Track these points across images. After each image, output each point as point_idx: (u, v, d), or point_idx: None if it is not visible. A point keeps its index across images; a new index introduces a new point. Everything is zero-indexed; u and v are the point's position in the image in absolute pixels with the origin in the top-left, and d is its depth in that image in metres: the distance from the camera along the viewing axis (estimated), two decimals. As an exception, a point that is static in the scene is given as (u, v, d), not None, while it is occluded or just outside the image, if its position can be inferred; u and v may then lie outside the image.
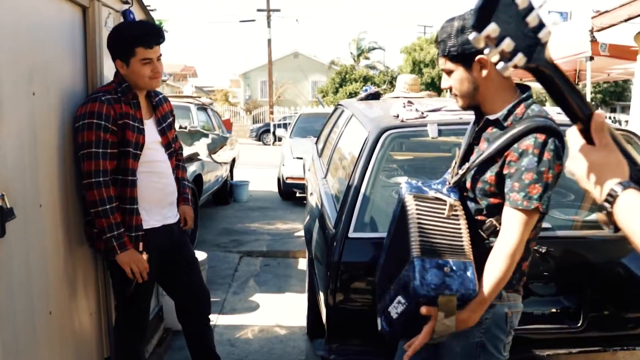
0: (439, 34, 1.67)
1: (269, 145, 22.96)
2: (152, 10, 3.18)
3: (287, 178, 8.30)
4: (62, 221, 2.29)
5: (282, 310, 4.24)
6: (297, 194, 8.62)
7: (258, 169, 12.46)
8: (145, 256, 2.39)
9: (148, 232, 2.45)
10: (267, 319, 4.07)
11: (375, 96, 4.20)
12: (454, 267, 1.53)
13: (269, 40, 28.23)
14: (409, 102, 2.88)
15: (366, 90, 4.31)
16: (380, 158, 2.55)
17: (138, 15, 2.92)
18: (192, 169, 5.63)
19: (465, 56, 1.61)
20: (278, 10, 28.47)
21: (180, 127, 5.41)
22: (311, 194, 4.05)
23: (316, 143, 5.60)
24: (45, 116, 2.16)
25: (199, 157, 4.98)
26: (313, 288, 3.33)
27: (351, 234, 2.39)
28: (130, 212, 2.37)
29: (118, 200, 2.33)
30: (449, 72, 1.68)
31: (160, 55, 2.41)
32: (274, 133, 22.26)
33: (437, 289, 1.51)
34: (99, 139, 2.26)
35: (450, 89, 1.71)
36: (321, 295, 2.75)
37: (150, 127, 2.48)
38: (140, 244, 2.40)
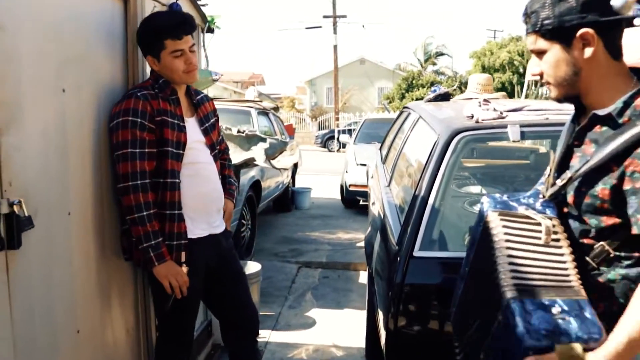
0: (528, 4, 1.32)
1: (334, 151, 22.80)
2: (203, 6, 2.96)
3: (350, 185, 8.01)
4: (95, 230, 2.09)
5: (340, 328, 3.93)
6: (361, 202, 8.31)
7: (321, 176, 12.25)
8: (185, 269, 2.15)
9: (192, 243, 2.21)
10: (324, 337, 3.77)
11: (445, 97, 3.83)
12: (566, 307, 1.14)
13: (335, 47, 28.11)
14: (485, 100, 2.51)
15: (435, 90, 3.96)
16: (451, 164, 2.20)
17: (186, 10, 2.71)
18: (250, 174, 5.44)
19: (563, 31, 1.25)
20: (344, 17, 28.29)
21: (239, 132, 5.23)
22: (373, 203, 3.73)
23: (380, 149, 5.28)
24: (77, 115, 1.96)
25: (255, 162, 4.77)
26: (372, 306, 3.03)
27: (416, 253, 2.05)
28: (170, 218, 2.14)
29: (157, 206, 2.11)
30: (541, 53, 1.31)
31: (193, 45, 2.20)
32: (338, 139, 22.06)
33: (551, 335, 1.12)
34: (135, 138, 2.05)
35: (541, 75, 1.34)
36: (380, 316, 2.45)
37: (192, 126, 2.25)
38: (183, 254, 2.17)
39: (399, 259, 2.09)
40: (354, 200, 8.40)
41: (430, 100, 3.86)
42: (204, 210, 2.27)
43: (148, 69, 2.37)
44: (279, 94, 39.99)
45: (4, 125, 1.57)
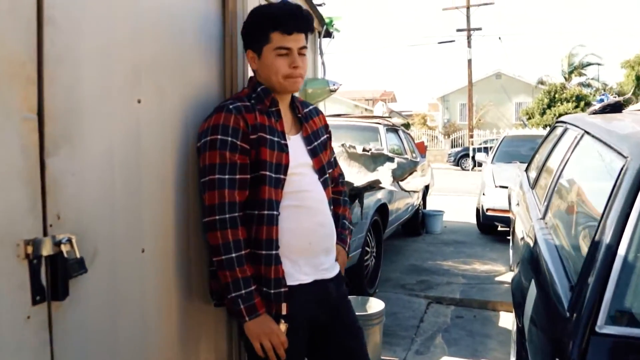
0: None
1: (468, 170, 21.72)
2: (319, 5, 2.55)
3: (487, 209, 7.23)
4: (178, 271, 1.73)
5: (478, 386, 3.29)
6: (499, 228, 7.49)
7: (455, 197, 11.48)
8: (283, 327, 1.71)
9: (292, 291, 1.76)
10: (457, 396, 3.17)
11: (616, 108, 3.07)
12: None
13: (469, 61, 26.96)
14: (697, 109, 1.81)
15: (601, 100, 3.21)
16: (651, 199, 1.55)
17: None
18: (376, 197, 4.96)
19: None
20: (479, 29, 27.04)
21: (364, 150, 4.78)
22: (522, 238, 3.06)
23: (526, 170, 4.55)
24: (156, 131, 1.61)
25: (380, 184, 4.28)
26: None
27: (601, 328, 1.42)
28: (267, 260, 1.70)
29: (250, 245, 1.69)
30: None
31: (304, 47, 1.76)
32: (473, 158, 20.98)
33: None
34: (224, 161, 1.65)
35: None
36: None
37: (296, 145, 1.80)
38: (284, 306, 1.73)
39: (572, 333, 1.47)
40: (491, 226, 7.60)
41: (595, 112, 3.13)
42: (308, 250, 1.81)
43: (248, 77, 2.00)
44: (411, 111, 39.32)
45: (52, 143, 1.24)
